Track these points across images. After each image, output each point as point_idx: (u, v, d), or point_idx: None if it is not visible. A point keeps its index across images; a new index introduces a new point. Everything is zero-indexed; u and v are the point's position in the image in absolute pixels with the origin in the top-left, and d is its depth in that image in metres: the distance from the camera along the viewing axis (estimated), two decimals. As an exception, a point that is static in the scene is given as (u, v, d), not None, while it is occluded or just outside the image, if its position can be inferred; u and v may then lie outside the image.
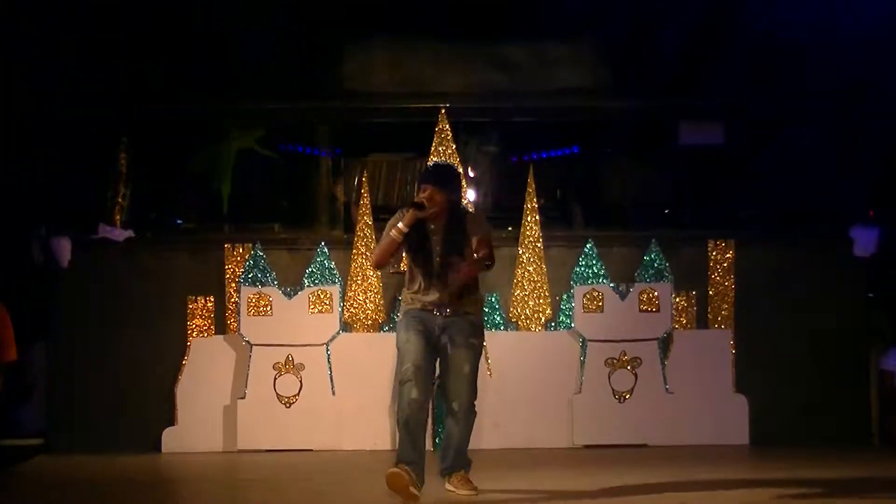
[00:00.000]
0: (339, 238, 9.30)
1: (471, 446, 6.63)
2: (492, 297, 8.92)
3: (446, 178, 6.78)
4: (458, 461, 6.65)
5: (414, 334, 6.56)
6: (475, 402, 6.63)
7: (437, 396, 7.01)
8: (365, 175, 9.56)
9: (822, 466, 7.68)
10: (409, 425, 6.41)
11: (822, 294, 9.06)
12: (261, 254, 8.91)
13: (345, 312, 8.90)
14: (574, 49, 9.87)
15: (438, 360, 6.66)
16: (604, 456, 8.35)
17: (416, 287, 6.70)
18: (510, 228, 9.27)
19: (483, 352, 8.54)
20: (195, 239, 9.51)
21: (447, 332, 6.59)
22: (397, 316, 6.95)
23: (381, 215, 8.48)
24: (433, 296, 6.63)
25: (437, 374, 6.68)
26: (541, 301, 8.96)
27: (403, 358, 6.56)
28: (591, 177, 10.54)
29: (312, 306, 8.82)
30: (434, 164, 7.24)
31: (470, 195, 9.64)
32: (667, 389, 8.82)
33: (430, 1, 9.62)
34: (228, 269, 8.98)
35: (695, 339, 8.98)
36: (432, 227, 6.63)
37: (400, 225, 6.56)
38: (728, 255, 9.05)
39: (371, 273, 8.87)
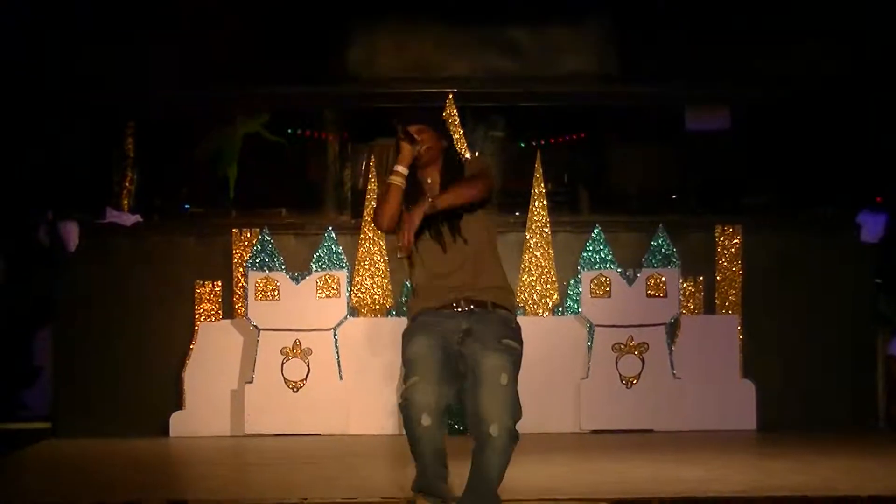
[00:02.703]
0: (346, 223, 9.31)
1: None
2: (499, 282, 8.91)
3: (433, 118, 5.44)
4: None
5: (423, 338, 5.09)
6: (517, 422, 5.00)
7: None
8: (372, 160, 9.55)
9: (829, 452, 7.68)
10: (425, 454, 5.02)
11: (828, 280, 9.06)
12: (268, 238, 8.91)
13: (352, 297, 8.91)
14: (582, 34, 9.86)
15: (463, 372, 5.10)
16: (611, 441, 8.36)
17: (422, 276, 5.27)
18: (517, 214, 9.27)
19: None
20: (203, 223, 9.52)
21: (472, 334, 5.10)
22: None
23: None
24: (445, 271, 5.18)
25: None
26: (548, 286, 8.96)
27: (409, 370, 5.05)
28: (599, 162, 10.55)
29: (320, 291, 8.82)
30: (413, 109, 5.64)
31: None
32: (674, 375, 8.82)
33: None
34: (236, 253, 8.99)
35: (702, 324, 8.98)
36: (429, 181, 5.30)
37: (398, 167, 5.16)
38: (735, 241, 9.04)
39: (378, 258, 8.88)
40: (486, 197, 5.21)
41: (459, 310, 5.17)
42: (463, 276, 5.21)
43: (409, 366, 5.06)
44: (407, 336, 5.18)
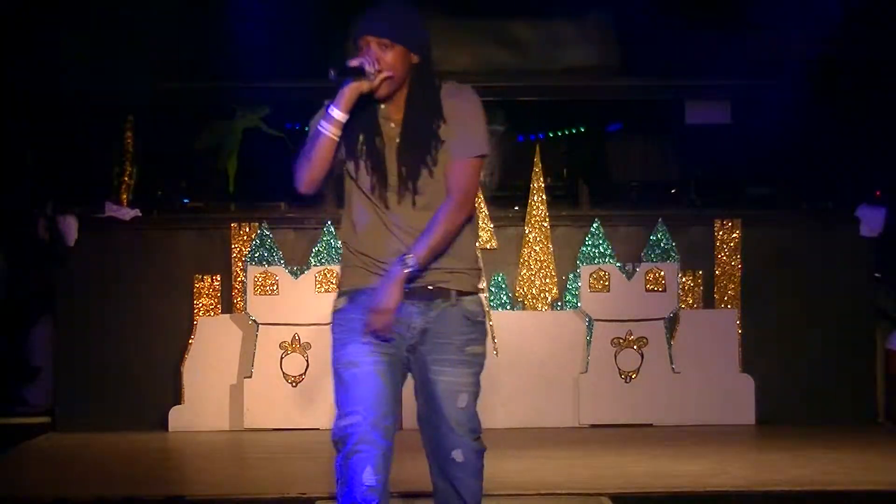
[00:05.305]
0: (345, 217, 9.28)
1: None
2: (498, 276, 8.91)
3: (397, 23, 3.99)
4: None
5: (367, 345, 3.87)
6: (481, 436, 4.01)
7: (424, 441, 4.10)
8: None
9: (828, 446, 7.69)
10: None
11: (828, 274, 9.04)
12: (267, 233, 8.90)
13: (351, 291, 8.89)
14: (582, 27, 9.85)
15: (412, 377, 4.03)
16: (610, 435, 8.36)
17: (360, 235, 4.03)
18: (516, 208, 9.26)
19: (490, 332, 8.51)
20: (201, 218, 9.50)
21: (429, 338, 3.91)
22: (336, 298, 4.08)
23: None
24: (392, 245, 3.90)
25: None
26: (547, 280, 8.96)
27: (343, 395, 3.86)
28: (598, 156, 10.53)
29: (319, 285, 8.82)
30: (372, 7, 4.09)
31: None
32: (673, 369, 8.82)
33: (437, -22, 9.61)
34: (235, 247, 8.97)
35: (701, 318, 8.97)
36: (392, 125, 4.02)
37: (333, 110, 3.85)
38: (735, 235, 9.03)
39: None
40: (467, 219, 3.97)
41: (415, 299, 3.91)
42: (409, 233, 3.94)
43: (346, 388, 3.85)
44: (345, 331, 3.92)
